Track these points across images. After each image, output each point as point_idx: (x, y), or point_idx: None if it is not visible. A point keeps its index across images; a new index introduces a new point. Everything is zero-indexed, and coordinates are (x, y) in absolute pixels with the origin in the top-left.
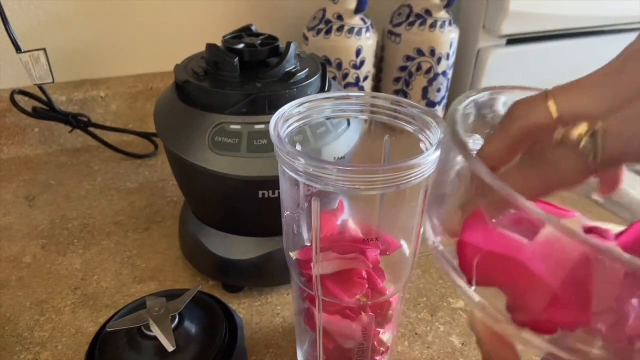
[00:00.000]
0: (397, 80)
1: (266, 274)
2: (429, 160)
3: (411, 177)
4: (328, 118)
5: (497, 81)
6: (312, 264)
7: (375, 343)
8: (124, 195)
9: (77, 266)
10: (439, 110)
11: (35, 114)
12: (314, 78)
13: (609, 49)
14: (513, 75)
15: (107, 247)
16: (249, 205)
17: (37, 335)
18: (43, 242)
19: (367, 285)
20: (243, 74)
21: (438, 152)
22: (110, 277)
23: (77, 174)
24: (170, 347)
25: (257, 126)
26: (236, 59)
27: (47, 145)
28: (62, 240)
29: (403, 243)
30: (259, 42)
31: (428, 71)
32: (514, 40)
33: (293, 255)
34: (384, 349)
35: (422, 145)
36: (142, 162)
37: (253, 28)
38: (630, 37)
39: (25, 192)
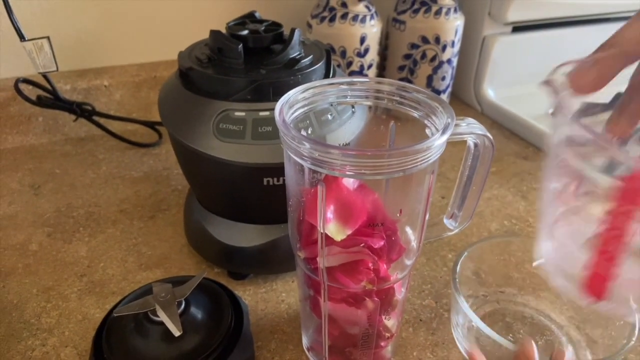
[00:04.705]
0: (401, 68)
1: (271, 261)
2: (435, 145)
3: (417, 162)
4: (332, 104)
5: (503, 69)
6: (318, 259)
7: (380, 329)
8: (129, 184)
9: (83, 254)
10: (444, 98)
11: (40, 102)
12: (319, 65)
13: None
14: (518, 63)
15: (113, 235)
16: (254, 193)
17: (44, 322)
18: (49, 230)
19: (372, 274)
20: (247, 61)
21: (444, 137)
22: (116, 265)
23: (82, 163)
24: (177, 332)
25: (261, 113)
26: (240, 46)
27: (52, 134)
28: (68, 228)
29: (408, 229)
30: (262, 28)
31: (433, 59)
32: (519, 28)
33: (301, 254)
34: (389, 335)
35: (427, 131)
36: (146, 151)
37: (257, 15)
38: None
39: (30, 180)
